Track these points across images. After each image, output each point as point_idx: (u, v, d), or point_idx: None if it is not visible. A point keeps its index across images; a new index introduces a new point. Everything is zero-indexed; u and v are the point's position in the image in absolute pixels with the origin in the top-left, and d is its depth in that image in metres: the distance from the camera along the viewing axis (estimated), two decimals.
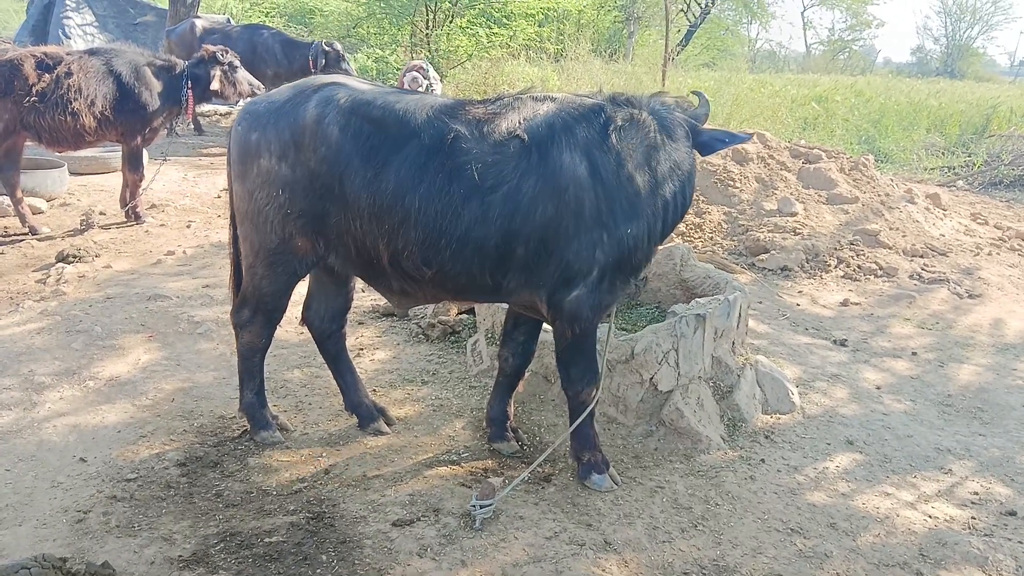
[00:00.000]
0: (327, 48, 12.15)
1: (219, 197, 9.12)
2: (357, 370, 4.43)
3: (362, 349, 5.34)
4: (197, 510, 3.52)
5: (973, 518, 3.81)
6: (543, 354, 4.46)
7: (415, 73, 10.79)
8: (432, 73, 11.44)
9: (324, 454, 4.04)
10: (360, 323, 5.77)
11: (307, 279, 4.15)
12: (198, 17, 13.27)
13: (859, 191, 8.78)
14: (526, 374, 4.31)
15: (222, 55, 8.00)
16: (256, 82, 8.38)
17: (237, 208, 3.85)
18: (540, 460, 3.82)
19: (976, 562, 3.44)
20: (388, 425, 4.30)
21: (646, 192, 3.53)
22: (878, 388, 5.28)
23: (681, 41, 26.11)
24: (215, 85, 7.91)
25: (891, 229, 8.37)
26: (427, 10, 15.77)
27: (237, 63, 8.20)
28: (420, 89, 10.41)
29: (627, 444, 4.30)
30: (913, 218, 8.75)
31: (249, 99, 8.10)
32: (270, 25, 13.76)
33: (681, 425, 4.28)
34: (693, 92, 3.97)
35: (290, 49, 12.50)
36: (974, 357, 5.96)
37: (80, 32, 16.38)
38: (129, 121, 7.45)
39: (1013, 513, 3.86)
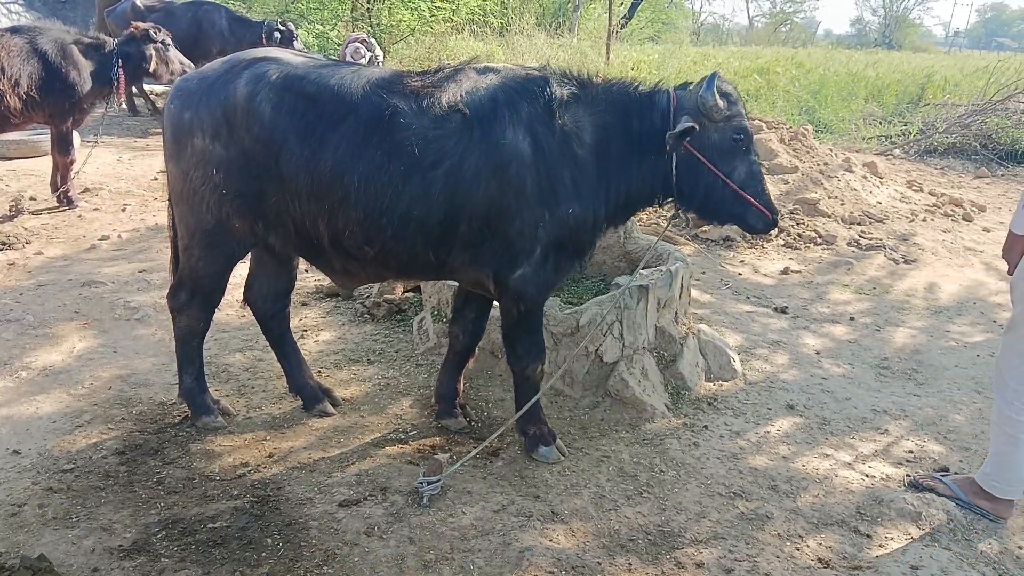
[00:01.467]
0: (281, 28, 11.84)
1: (156, 179, 8.87)
2: (301, 351, 4.37)
3: (306, 330, 5.27)
4: (137, 498, 3.45)
5: (908, 475, 3.93)
6: (490, 329, 4.45)
7: (357, 44, 10.59)
8: (376, 46, 11.27)
9: (268, 437, 3.98)
10: (304, 304, 5.69)
11: (249, 258, 4.07)
12: None
13: (799, 161, 8.94)
14: (476, 351, 4.30)
15: (154, 32, 7.75)
16: (187, 61, 8.15)
17: (172, 189, 3.75)
18: (486, 444, 3.80)
19: (910, 517, 3.56)
20: (333, 406, 4.26)
21: (591, 173, 3.48)
22: (817, 353, 5.41)
23: (626, 15, 26.12)
24: (147, 63, 7.67)
25: (830, 198, 8.55)
26: None
27: (169, 41, 7.96)
28: (363, 61, 10.24)
29: (574, 416, 4.34)
30: (851, 186, 8.94)
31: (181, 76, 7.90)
32: (215, 1, 13.37)
33: (626, 395, 4.33)
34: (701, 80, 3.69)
35: (239, 27, 12.13)
36: (909, 320, 6.14)
37: (4, 10, 15.73)
38: (57, 102, 7.17)
39: (946, 470, 4.00)
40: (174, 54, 7.98)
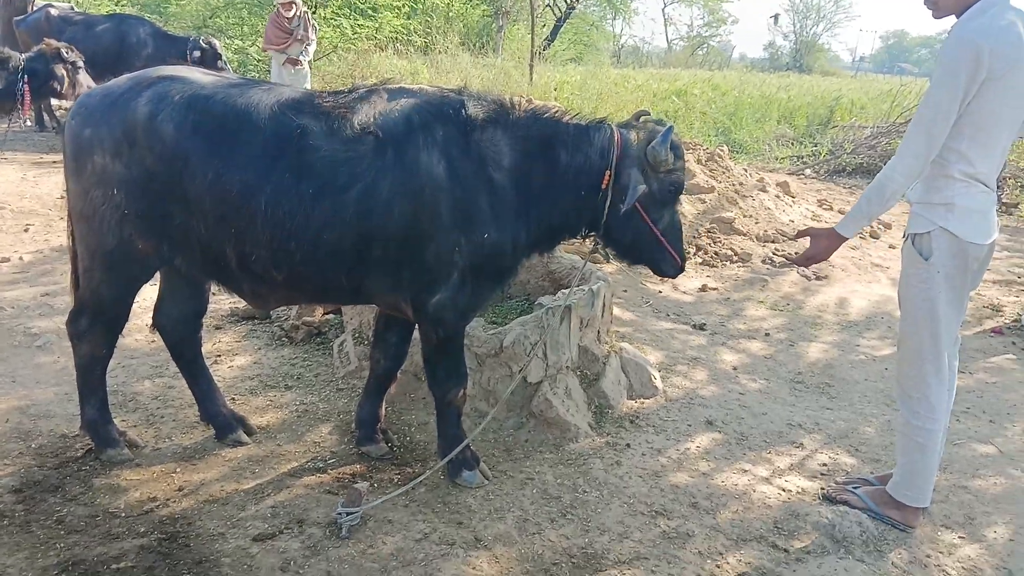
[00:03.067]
0: (204, 45, 11.59)
1: (62, 198, 8.44)
2: (214, 378, 4.22)
3: (220, 355, 5.09)
4: (35, 539, 3.24)
5: (823, 488, 4.03)
6: (413, 352, 4.38)
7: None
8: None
9: (178, 470, 3.81)
10: (217, 328, 5.50)
11: (158, 280, 3.91)
12: (51, 5, 12.27)
13: (715, 181, 9.17)
14: (397, 375, 4.22)
15: (67, 52, 7.47)
16: (95, 86, 7.86)
17: (72, 208, 3.57)
18: (418, 481, 3.73)
19: (825, 531, 3.65)
20: (248, 435, 4.11)
21: (509, 198, 3.43)
22: (735, 369, 5.52)
23: (548, 36, 26.52)
24: (55, 83, 7.39)
25: (745, 216, 8.79)
26: None
27: (81, 63, 7.68)
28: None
29: (498, 437, 4.30)
30: (765, 205, 9.23)
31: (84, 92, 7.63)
32: (141, 16, 12.96)
33: (550, 415, 4.32)
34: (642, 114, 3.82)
35: (164, 43, 11.75)
36: (821, 335, 6.35)
37: None
38: None
39: (865, 480, 4.11)
40: (84, 77, 7.72)
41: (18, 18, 11.82)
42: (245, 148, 3.24)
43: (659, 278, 7.24)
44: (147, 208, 3.35)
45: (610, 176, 3.49)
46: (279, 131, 3.25)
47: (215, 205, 3.26)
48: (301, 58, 11.23)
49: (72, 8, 14.14)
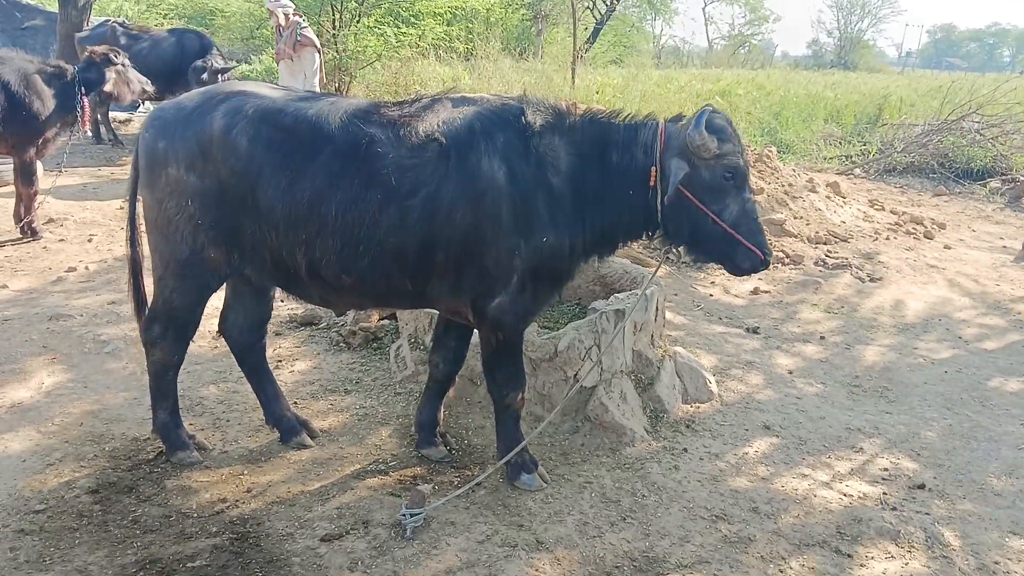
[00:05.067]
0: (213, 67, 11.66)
1: (121, 208, 8.73)
2: (277, 382, 4.32)
3: (281, 360, 5.21)
4: (113, 538, 3.36)
5: (885, 493, 3.99)
6: (469, 356, 4.44)
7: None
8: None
9: (246, 472, 3.92)
10: (278, 334, 5.63)
11: (224, 288, 4.02)
12: (114, 20, 12.65)
13: (764, 182, 9.09)
14: (455, 379, 4.28)
15: (114, 55, 7.69)
16: (144, 79, 8.12)
17: (146, 217, 3.71)
18: (476, 482, 3.77)
19: (889, 536, 3.61)
20: (311, 438, 4.21)
21: (566, 202, 3.45)
22: (790, 372, 5.48)
23: (589, 39, 26.47)
24: (109, 87, 7.62)
25: (795, 218, 8.70)
26: (333, 10, 15.45)
27: (128, 62, 7.91)
28: (293, 17, 10.06)
29: (554, 441, 4.33)
30: (815, 206, 9.12)
31: (142, 96, 7.89)
32: (196, 29, 13.31)
33: (606, 420, 4.34)
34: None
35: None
36: (878, 338, 6.26)
37: None
38: (21, 133, 7.06)
39: (921, 486, 4.07)
40: (133, 74, 7.94)
41: (81, 34, 12.14)
42: (316, 157, 3.34)
43: (709, 281, 7.24)
44: (219, 219, 3.47)
45: (656, 172, 3.44)
46: (348, 140, 3.35)
47: (286, 214, 3.37)
48: (294, 68, 10.19)
49: (125, 23, 14.57)
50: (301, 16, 10.66)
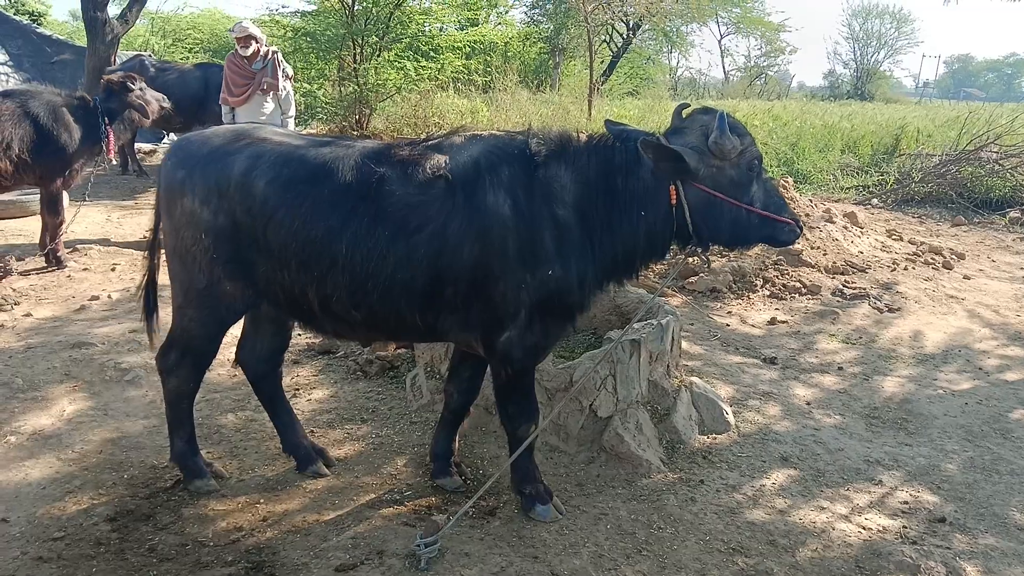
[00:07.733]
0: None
1: (144, 238, 8.87)
2: (294, 411, 4.36)
3: (298, 389, 5.24)
4: (130, 566, 3.38)
5: (904, 527, 3.94)
6: (484, 386, 4.45)
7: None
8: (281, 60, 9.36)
9: (262, 500, 3.94)
10: (295, 362, 5.67)
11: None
12: (142, 55, 13.00)
13: None
14: (470, 409, 4.29)
15: (130, 82, 7.87)
16: (160, 95, 8.30)
17: (166, 243, 3.78)
18: (475, 498, 3.75)
19: (909, 570, 3.56)
20: (328, 466, 4.22)
21: (574, 233, 3.46)
22: (808, 404, 5.44)
23: (605, 71, 26.74)
24: (135, 113, 7.81)
25: (813, 248, 8.68)
26: (354, 44, 15.74)
27: (144, 85, 8.11)
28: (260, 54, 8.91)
29: (570, 472, 4.32)
30: (832, 236, 9.09)
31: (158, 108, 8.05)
32: (221, 64, 13.73)
33: (622, 450, 4.33)
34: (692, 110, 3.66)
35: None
36: (897, 369, 6.20)
37: None
38: (48, 164, 7.23)
39: (942, 520, 4.01)
40: (151, 94, 8.14)
41: (111, 68, 12.48)
42: (328, 197, 3.40)
43: (726, 311, 7.23)
44: (233, 255, 3.54)
45: (675, 189, 3.44)
46: (359, 179, 3.41)
47: (298, 252, 3.43)
48: (269, 109, 9.12)
49: (150, 57, 14.91)
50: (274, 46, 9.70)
